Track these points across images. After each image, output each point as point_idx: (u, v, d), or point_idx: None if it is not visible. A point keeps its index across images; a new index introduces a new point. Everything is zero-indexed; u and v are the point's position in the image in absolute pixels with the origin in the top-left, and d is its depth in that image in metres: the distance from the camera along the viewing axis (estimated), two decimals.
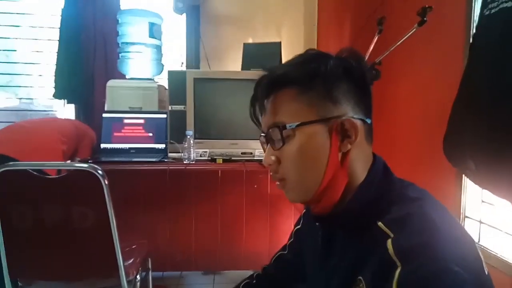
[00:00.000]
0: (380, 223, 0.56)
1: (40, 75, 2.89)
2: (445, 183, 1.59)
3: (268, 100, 0.67)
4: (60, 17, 2.65)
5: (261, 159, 2.04)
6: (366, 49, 1.87)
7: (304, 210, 0.92)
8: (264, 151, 0.70)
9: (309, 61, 0.66)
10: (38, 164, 1.36)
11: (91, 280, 1.46)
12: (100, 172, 1.26)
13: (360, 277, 0.56)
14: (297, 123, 0.63)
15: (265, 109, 0.68)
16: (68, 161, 2.04)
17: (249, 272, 2.22)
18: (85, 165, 1.27)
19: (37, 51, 2.89)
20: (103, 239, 1.32)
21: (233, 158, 2.10)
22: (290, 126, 0.63)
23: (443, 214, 0.58)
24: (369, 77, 0.69)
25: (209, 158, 2.10)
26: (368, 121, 0.66)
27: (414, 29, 1.60)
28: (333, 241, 0.69)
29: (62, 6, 2.64)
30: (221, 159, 2.08)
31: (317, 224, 0.73)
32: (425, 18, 1.55)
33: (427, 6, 1.55)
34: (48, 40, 2.85)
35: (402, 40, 1.65)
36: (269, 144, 0.68)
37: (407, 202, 0.60)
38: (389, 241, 0.53)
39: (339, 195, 0.64)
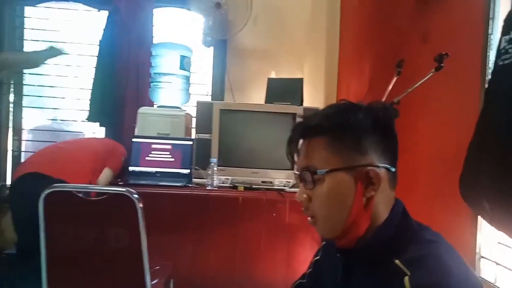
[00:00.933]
0: (397, 261, 0.63)
1: (78, 99, 3.08)
2: (461, 223, 1.62)
3: (303, 144, 0.76)
4: (98, 47, 2.84)
5: (281, 188, 2.14)
6: (385, 88, 1.97)
7: (324, 243, 0.98)
8: (298, 185, 0.79)
9: (340, 112, 0.75)
10: (81, 186, 1.48)
11: None
12: (135, 196, 1.37)
13: None
14: (327, 169, 0.71)
15: (300, 151, 0.77)
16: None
17: None
18: (123, 189, 1.38)
19: (68, 77, 3.09)
20: (133, 260, 1.41)
21: (253, 186, 2.18)
22: (320, 172, 0.72)
23: (454, 256, 0.65)
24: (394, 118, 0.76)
25: (231, 185, 2.20)
26: (392, 169, 0.73)
27: (431, 74, 1.69)
28: (351, 274, 0.76)
29: (100, 38, 2.84)
30: (242, 187, 2.17)
31: (338, 255, 0.80)
32: (442, 64, 1.64)
33: (444, 53, 1.64)
34: (80, 67, 3.06)
35: (419, 83, 1.74)
36: (301, 183, 0.77)
37: (423, 243, 0.67)
38: (406, 278, 0.60)
39: (362, 233, 0.73)
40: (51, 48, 2.35)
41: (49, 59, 2.38)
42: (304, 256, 2.15)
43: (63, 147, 2.22)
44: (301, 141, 0.77)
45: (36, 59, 2.38)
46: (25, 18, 3.11)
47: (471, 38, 1.67)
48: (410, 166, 1.96)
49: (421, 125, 1.99)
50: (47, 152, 2.16)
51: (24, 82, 3.14)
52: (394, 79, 1.89)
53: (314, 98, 2.75)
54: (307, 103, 2.46)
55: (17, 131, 3.11)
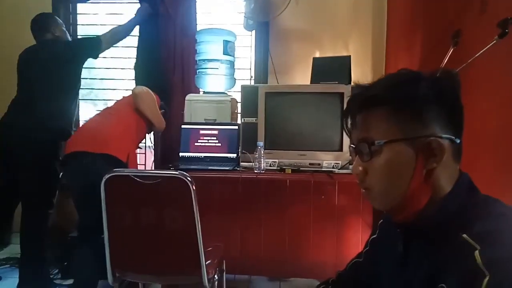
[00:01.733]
0: (465, 235, 0.59)
1: (127, 89, 3.22)
2: None
3: (360, 115, 0.73)
4: (139, 36, 2.92)
5: (329, 170, 2.10)
6: (439, 63, 1.85)
7: (381, 220, 0.95)
8: (353, 161, 0.77)
9: (402, 82, 0.70)
10: (139, 171, 1.55)
11: (176, 276, 1.62)
12: (189, 178, 1.42)
13: (443, 285, 0.59)
14: (385, 140, 0.68)
15: (356, 123, 0.74)
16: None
17: (314, 281, 2.27)
18: (176, 172, 1.43)
19: (117, 69, 3.22)
20: (188, 240, 1.47)
21: (301, 168, 2.17)
22: (378, 143, 0.69)
23: None
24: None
25: (278, 168, 2.20)
26: (457, 140, 0.69)
27: (494, 41, 1.56)
28: (411, 250, 0.73)
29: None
30: (290, 169, 2.17)
31: (397, 231, 0.77)
32: (506, 30, 1.51)
33: (509, 17, 1.51)
34: (129, 58, 3.18)
35: (481, 52, 1.62)
36: (357, 156, 0.74)
37: (493, 217, 0.63)
38: (476, 252, 0.56)
39: (421, 207, 0.69)
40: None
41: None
42: (355, 239, 2.12)
43: (101, 119, 2.25)
44: (358, 112, 0.74)
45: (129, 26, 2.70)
46: (77, 15, 3.28)
47: None
48: (471, 143, 1.85)
49: (482, 100, 1.86)
50: (89, 127, 2.22)
51: None
52: (451, 50, 1.77)
53: (361, 77, 2.65)
54: (355, 82, 2.38)
55: (75, 124, 3.30)
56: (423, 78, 0.70)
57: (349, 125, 0.76)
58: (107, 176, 1.45)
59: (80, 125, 2.74)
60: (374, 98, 0.71)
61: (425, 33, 2.27)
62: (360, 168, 0.73)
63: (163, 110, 2.40)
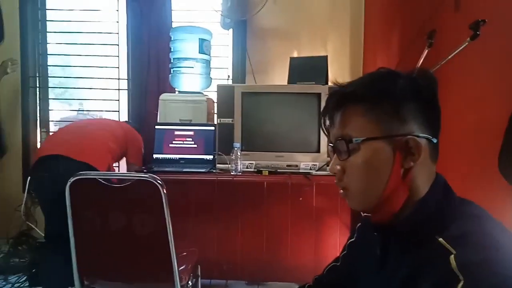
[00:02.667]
0: (441, 239, 0.59)
1: (103, 88, 3.12)
2: (499, 199, 1.53)
3: (338, 113, 0.71)
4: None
5: (306, 172, 2.08)
6: (415, 63, 1.86)
7: (359, 224, 0.93)
8: (331, 160, 0.75)
9: (379, 79, 0.69)
10: (105, 173, 1.48)
11: (147, 283, 1.56)
12: (159, 181, 1.36)
13: None
14: (363, 138, 0.67)
15: (334, 121, 0.72)
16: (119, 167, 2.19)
17: (293, 285, 2.24)
18: (146, 175, 1.37)
19: (92, 67, 3.12)
20: (160, 245, 1.41)
21: (278, 170, 2.14)
22: (356, 140, 0.67)
23: (502, 231, 0.60)
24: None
25: (255, 170, 2.16)
26: (434, 140, 0.68)
27: (466, 43, 1.57)
28: (389, 253, 0.71)
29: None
30: (267, 171, 2.13)
31: (375, 234, 0.75)
32: (478, 32, 1.53)
33: (480, 20, 1.52)
34: (102, 56, 3.08)
35: (453, 54, 1.63)
36: (335, 154, 0.72)
37: (467, 219, 0.62)
38: (451, 257, 0.55)
39: (399, 207, 0.68)
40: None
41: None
42: (333, 240, 2.10)
43: (82, 126, 2.20)
44: (336, 110, 0.72)
45: None
46: (47, 10, 3.14)
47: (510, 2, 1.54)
48: (445, 142, 1.86)
49: (456, 99, 1.88)
50: (67, 132, 2.14)
51: (50, 74, 3.20)
52: (426, 51, 1.78)
53: (339, 76, 2.64)
54: (332, 82, 2.36)
55: (45, 124, 3.18)
56: (401, 75, 0.69)
57: (327, 124, 0.75)
58: (72, 179, 1.37)
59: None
60: (352, 95, 0.69)
61: (402, 32, 2.28)
62: (338, 167, 0.72)
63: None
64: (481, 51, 1.66)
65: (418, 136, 0.65)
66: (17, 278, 2.46)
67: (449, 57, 1.64)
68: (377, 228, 0.73)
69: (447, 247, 0.57)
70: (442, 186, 0.68)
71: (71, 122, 2.34)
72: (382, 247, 0.73)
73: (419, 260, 0.61)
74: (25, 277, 2.43)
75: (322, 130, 0.77)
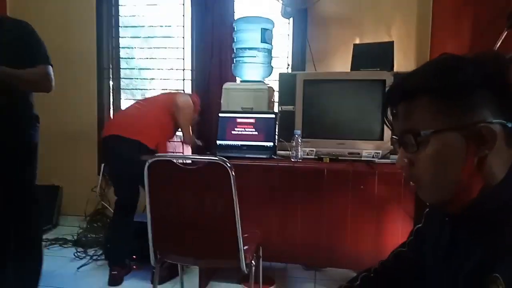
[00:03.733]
0: None
1: (165, 79, 3.30)
2: None
3: (402, 105, 0.69)
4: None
5: (369, 160, 2.05)
6: (492, 46, 1.74)
7: (427, 209, 0.92)
8: (396, 152, 0.73)
9: (445, 69, 0.66)
10: (180, 156, 1.59)
11: (214, 260, 1.66)
12: (228, 164, 1.43)
13: (497, 275, 0.56)
14: (432, 130, 0.64)
15: (398, 113, 0.70)
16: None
17: (351, 272, 2.24)
18: (216, 157, 1.45)
19: (156, 59, 3.30)
20: (227, 225, 1.49)
21: (340, 157, 2.13)
22: (424, 134, 0.65)
23: None
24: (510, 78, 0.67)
25: (316, 157, 2.17)
26: (509, 124, 0.64)
27: None
28: (460, 240, 0.70)
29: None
30: (328, 158, 2.13)
31: (446, 219, 0.74)
32: None
33: None
34: (168, 48, 3.24)
35: None
36: (401, 147, 0.71)
37: None
38: None
39: (474, 196, 0.66)
40: None
41: None
42: (395, 230, 2.06)
43: (136, 107, 2.50)
44: (399, 102, 0.70)
45: None
46: (119, 7, 3.38)
47: None
48: None
49: None
50: (122, 115, 2.54)
51: (121, 67, 3.44)
52: (505, 33, 1.66)
53: (405, 63, 2.56)
54: (397, 68, 2.29)
55: (117, 112, 3.43)
56: (469, 62, 0.65)
57: (389, 116, 0.73)
58: (150, 160, 1.49)
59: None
60: (415, 87, 0.67)
61: (475, 15, 2.14)
62: (406, 160, 0.70)
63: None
64: None
65: (491, 123, 0.62)
66: (94, 251, 2.74)
67: None
68: (448, 214, 0.72)
69: None
70: None
71: (134, 103, 2.60)
72: (452, 236, 0.71)
73: (496, 245, 0.59)
74: (101, 251, 2.69)
75: (385, 122, 0.74)
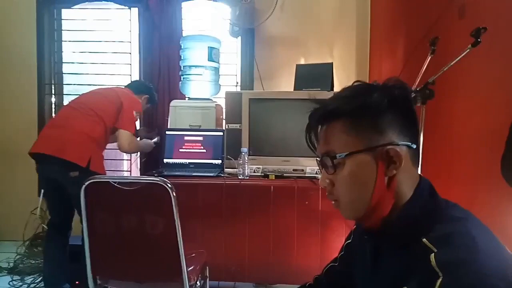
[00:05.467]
0: (424, 240, 0.62)
1: None
2: (503, 204, 1.55)
3: (322, 129, 0.76)
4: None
5: (312, 176, 2.12)
6: (419, 68, 1.89)
7: (355, 226, 0.98)
8: (321, 172, 0.78)
9: (356, 94, 0.73)
10: (119, 177, 1.55)
11: (157, 283, 1.61)
12: (169, 185, 1.42)
13: (405, 287, 0.61)
14: (346, 153, 0.71)
15: (318, 137, 0.77)
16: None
17: None
18: (157, 179, 1.43)
19: (105, 74, 3.21)
20: (169, 246, 1.46)
21: (285, 174, 2.18)
22: (340, 156, 0.71)
23: (484, 232, 0.63)
24: (413, 104, 0.74)
25: (262, 174, 2.21)
26: (413, 146, 0.71)
27: (468, 50, 1.60)
28: (380, 255, 0.76)
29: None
30: (274, 175, 2.17)
31: (365, 237, 0.80)
32: (479, 39, 1.55)
33: (481, 27, 1.55)
34: (115, 64, 3.17)
35: (455, 61, 1.65)
36: (323, 169, 0.76)
37: (451, 221, 0.65)
38: (432, 255, 0.59)
39: (387, 213, 0.72)
40: None
41: None
42: (339, 243, 2.08)
43: (67, 115, 2.21)
44: (319, 127, 0.76)
45: None
46: (62, 21, 3.26)
47: None
48: (448, 148, 1.89)
49: (459, 105, 1.91)
50: (52, 126, 2.22)
51: (64, 82, 3.31)
52: (428, 58, 1.81)
53: (345, 83, 2.68)
54: (338, 88, 2.41)
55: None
56: (375, 88, 0.72)
57: (312, 139, 0.78)
58: (86, 182, 1.44)
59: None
60: (332, 112, 0.73)
61: (407, 39, 2.32)
62: (327, 181, 0.76)
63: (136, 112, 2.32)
64: (483, 58, 1.69)
65: (397, 145, 0.69)
66: (33, 278, 2.55)
67: (451, 64, 1.67)
68: (368, 233, 0.77)
69: (429, 246, 0.60)
70: (427, 189, 0.72)
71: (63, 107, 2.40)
72: (373, 250, 0.77)
73: (406, 260, 0.64)
74: (40, 278, 2.51)
75: (308, 145, 0.79)
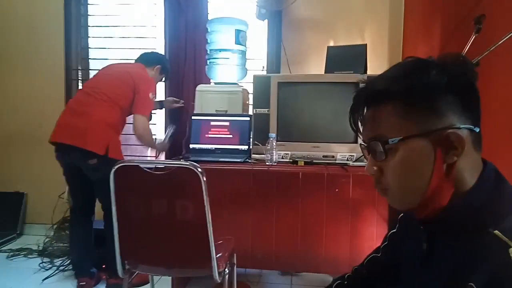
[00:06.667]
0: (497, 231, 0.55)
1: None
2: None
3: (368, 112, 0.68)
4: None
5: (343, 163, 2.04)
6: (461, 50, 1.77)
7: (401, 214, 0.91)
8: (366, 158, 0.71)
9: (409, 73, 0.65)
10: (149, 161, 1.52)
11: (186, 269, 1.60)
12: (199, 169, 1.38)
13: (472, 284, 0.55)
14: (399, 137, 0.63)
15: (365, 120, 0.69)
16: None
17: (327, 276, 2.23)
18: (187, 163, 1.40)
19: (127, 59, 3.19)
20: (199, 232, 1.44)
21: (314, 160, 2.11)
22: (392, 141, 0.64)
23: None
24: (476, 81, 0.66)
25: (291, 160, 2.15)
26: (476, 129, 0.64)
27: None
28: (436, 247, 0.69)
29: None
30: (303, 162, 2.11)
31: (421, 227, 0.73)
32: None
33: None
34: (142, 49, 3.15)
35: (505, 39, 1.53)
36: (370, 155, 0.69)
37: None
38: (511, 250, 0.52)
39: (445, 202, 0.65)
40: None
41: None
42: (369, 233, 2.06)
43: (83, 101, 2.19)
44: (366, 108, 0.69)
45: None
46: (88, 6, 3.26)
47: None
48: (492, 132, 1.77)
49: (505, 90, 1.78)
50: (70, 113, 2.18)
51: (90, 68, 3.32)
52: (473, 37, 1.69)
53: (378, 65, 2.57)
54: (371, 71, 2.30)
55: None
56: (432, 65, 0.64)
57: (357, 123, 0.71)
58: (116, 166, 1.42)
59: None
60: (381, 93, 0.66)
61: (445, 19, 2.18)
62: (375, 168, 0.68)
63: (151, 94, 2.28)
64: None
65: (458, 128, 0.62)
66: (61, 261, 2.60)
67: (499, 42, 1.55)
68: (423, 222, 0.70)
69: (504, 240, 0.53)
70: (493, 176, 0.64)
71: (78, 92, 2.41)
72: (428, 242, 0.70)
73: (471, 254, 0.58)
74: (68, 261, 2.56)
75: (352, 129, 0.72)
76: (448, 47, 2.09)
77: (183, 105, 2.69)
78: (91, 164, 2.06)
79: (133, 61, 2.52)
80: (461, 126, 0.62)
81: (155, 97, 2.34)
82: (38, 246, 2.84)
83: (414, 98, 0.63)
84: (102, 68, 2.40)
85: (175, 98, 2.76)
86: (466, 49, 1.75)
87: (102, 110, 2.14)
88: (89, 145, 2.04)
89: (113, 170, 1.42)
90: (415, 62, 0.67)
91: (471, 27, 1.74)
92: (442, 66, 0.64)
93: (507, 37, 1.52)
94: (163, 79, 2.63)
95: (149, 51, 2.62)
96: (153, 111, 2.58)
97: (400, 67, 0.68)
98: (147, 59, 2.47)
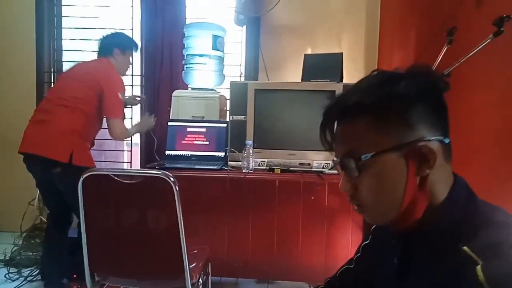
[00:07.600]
0: (465, 248, 0.54)
1: None
2: None
3: (340, 127, 0.67)
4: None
5: (319, 171, 2.05)
6: (433, 60, 1.81)
7: (374, 226, 0.90)
8: (339, 174, 0.70)
9: (379, 85, 0.64)
10: (119, 170, 1.47)
11: (158, 280, 1.55)
12: (171, 178, 1.34)
13: None
14: (372, 153, 0.62)
15: (336, 135, 0.68)
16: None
17: (303, 284, 2.22)
18: (159, 172, 1.36)
19: None
20: (171, 242, 1.40)
21: (290, 168, 2.11)
22: (365, 157, 0.62)
23: None
24: (444, 92, 0.66)
25: (267, 167, 2.14)
26: (446, 140, 0.63)
27: (489, 40, 1.52)
28: (409, 261, 0.68)
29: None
30: (279, 169, 2.10)
31: (392, 242, 0.72)
32: (502, 28, 1.47)
33: (504, 15, 1.46)
34: None
35: (475, 51, 1.57)
36: (343, 171, 0.68)
37: (494, 227, 0.57)
38: (478, 268, 0.51)
39: (420, 216, 0.64)
40: None
41: None
42: (345, 240, 2.07)
43: (46, 109, 2.11)
44: (336, 124, 0.68)
45: None
46: (62, 7, 3.17)
47: None
48: (464, 142, 1.81)
49: (476, 99, 1.82)
50: (34, 122, 2.11)
51: (64, 70, 3.22)
52: (445, 48, 1.72)
53: (353, 74, 2.60)
54: (347, 79, 2.32)
55: None
56: (403, 77, 0.64)
57: (328, 138, 0.69)
58: (84, 175, 1.37)
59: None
60: (352, 108, 0.64)
61: (419, 29, 2.23)
62: (349, 184, 0.67)
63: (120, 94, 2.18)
64: (505, 49, 1.61)
65: (429, 140, 0.61)
66: (29, 271, 2.49)
67: (470, 54, 1.58)
68: (398, 235, 0.70)
69: (473, 257, 0.53)
70: (464, 190, 0.64)
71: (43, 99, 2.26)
72: (401, 256, 0.69)
73: (443, 270, 0.57)
74: (37, 271, 2.46)
75: (323, 144, 0.70)
76: (422, 57, 2.13)
77: (144, 97, 2.60)
78: (56, 173, 2.00)
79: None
80: (432, 138, 0.61)
81: (125, 94, 2.24)
82: (5, 256, 2.70)
83: (385, 110, 0.62)
84: (67, 70, 2.28)
85: (135, 95, 2.71)
86: (439, 59, 1.79)
87: (63, 116, 2.05)
88: (50, 153, 1.98)
89: (81, 179, 1.37)
90: (383, 74, 0.66)
91: (444, 38, 1.78)
92: (411, 78, 0.63)
93: (477, 49, 1.56)
94: (132, 54, 2.41)
95: (102, 38, 2.34)
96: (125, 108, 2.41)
97: (369, 79, 0.67)
98: (104, 48, 2.28)
